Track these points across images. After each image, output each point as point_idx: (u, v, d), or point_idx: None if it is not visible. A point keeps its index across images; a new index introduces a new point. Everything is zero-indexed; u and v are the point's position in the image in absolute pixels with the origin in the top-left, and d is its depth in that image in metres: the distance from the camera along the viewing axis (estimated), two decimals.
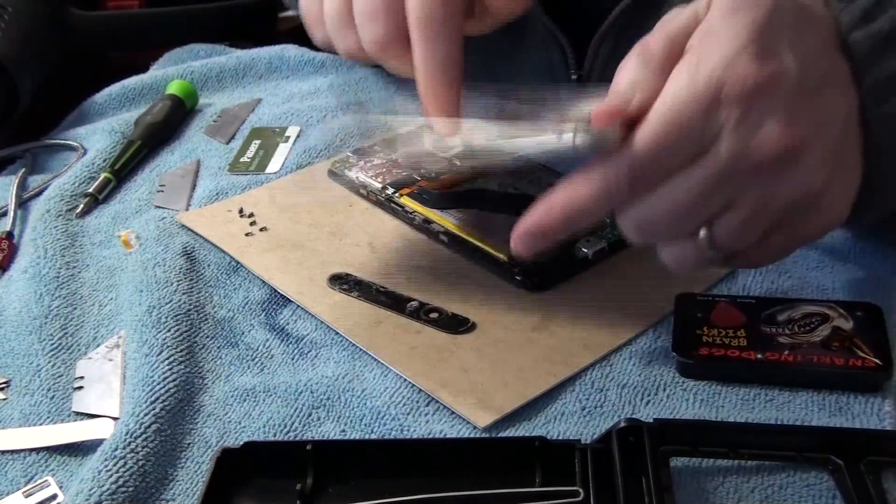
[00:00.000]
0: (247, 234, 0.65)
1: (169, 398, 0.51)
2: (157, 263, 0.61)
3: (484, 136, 0.49)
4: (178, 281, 0.60)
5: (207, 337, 0.57)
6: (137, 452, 0.47)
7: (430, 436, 0.48)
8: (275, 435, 0.50)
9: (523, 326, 0.55)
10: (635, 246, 0.49)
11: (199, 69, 0.87)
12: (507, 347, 0.53)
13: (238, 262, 0.62)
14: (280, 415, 0.51)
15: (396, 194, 0.64)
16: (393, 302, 0.57)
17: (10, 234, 0.68)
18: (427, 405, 0.50)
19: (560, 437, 0.48)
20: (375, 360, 0.54)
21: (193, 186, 0.72)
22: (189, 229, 0.66)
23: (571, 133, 0.45)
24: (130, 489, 0.46)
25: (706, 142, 0.44)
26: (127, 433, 0.48)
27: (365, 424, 0.50)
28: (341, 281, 0.59)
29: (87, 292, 0.62)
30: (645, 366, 0.52)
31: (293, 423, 0.50)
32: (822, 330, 0.51)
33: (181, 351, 0.54)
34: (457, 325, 0.55)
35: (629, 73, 0.46)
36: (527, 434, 0.48)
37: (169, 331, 0.55)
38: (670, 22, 0.47)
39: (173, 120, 0.80)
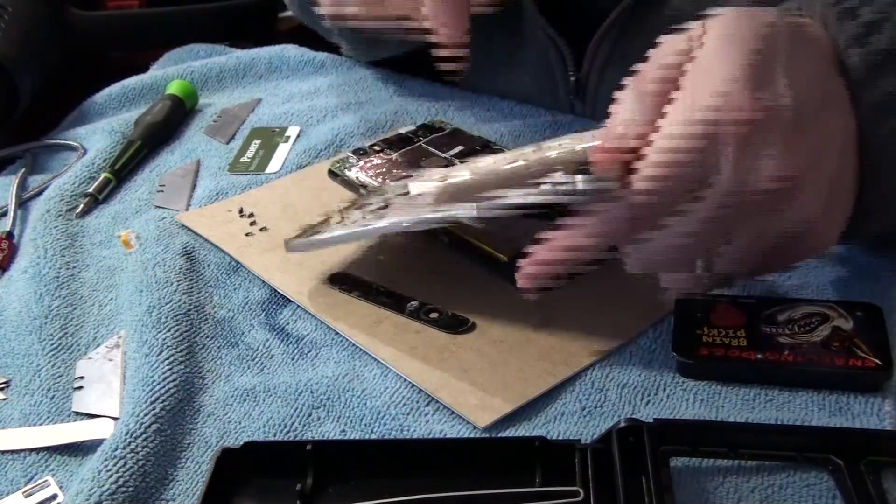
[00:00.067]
0: (247, 234, 0.65)
1: (169, 398, 0.51)
2: (157, 263, 0.61)
3: (486, 200, 0.50)
4: (178, 281, 0.60)
5: (207, 337, 0.57)
6: (137, 452, 0.48)
7: (430, 436, 0.48)
8: (275, 435, 0.50)
9: (523, 326, 0.55)
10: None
11: (199, 69, 0.87)
12: (507, 347, 0.53)
13: (238, 262, 0.62)
14: (280, 415, 0.51)
15: None
16: (393, 302, 0.57)
17: (10, 234, 0.68)
18: (427, 405, 0.50)
19: (560, 437, 0.48)
20: (375, 360, 0.54)
21: (193, 186, 0.72)
22: (189, 229, 0.66)
23: (571, 180, 0.46)
24: (130, 489, 0.46)
25: (704, 179, 0.44)
26: (127, 433, 0.48)
27: (365, 424, 0.50)
28: (341, 281, 0.59)
29: (87, 292, 0.62)
30: (645, 366, 0.52)
31: (293, 423, 0.50)
32: (822, 330, 0.51)
33: (181, 351, 0.54)
34: (457, 325, 0.55)
35: (625, 109, 0.46)
36: (527, 434, 0.48)
37: (169, 331, 0.55)
38: (664, 52, 0.47)
39: (173, 120, 0.80)
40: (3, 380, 0.55)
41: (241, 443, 0.46)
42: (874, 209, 0.49)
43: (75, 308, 0.61)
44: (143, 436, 0.48)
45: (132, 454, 0.47)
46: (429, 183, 0.54)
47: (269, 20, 1.10)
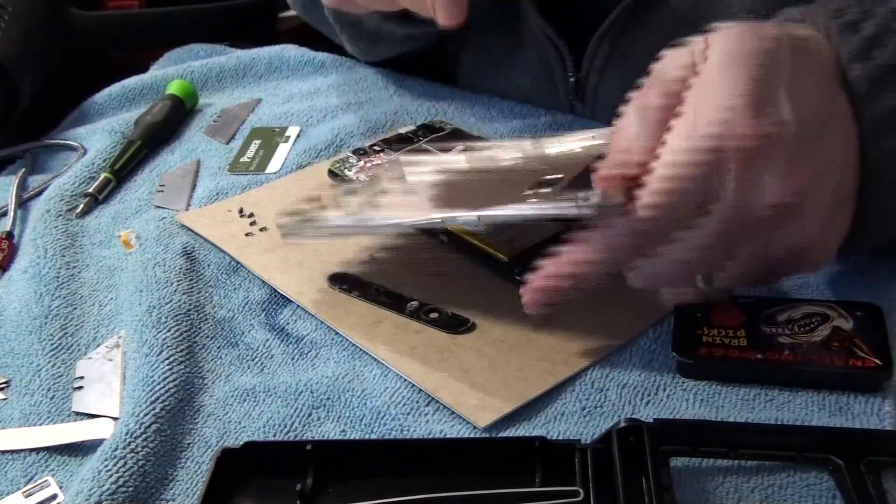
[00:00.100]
0: (247, 234, 0.65)
1: (169, 398, 0.51)
2: (157, 263, 0.61)
3: (488, 210, 0.50)
4: (178, 281, 0.60)
5: (207, 337, 0.57)
6: (137, 452, 0.48)
7: (430, 436, 0.48)
8: (275, 435, 0.50)
9: (523, 326, 0.55)
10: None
11: (199, 69, 0.87)
12: (507, 347, 0.53)
13: (238, 262, 0.62)
14: (280, 415, 0.51)
15: None
16: (393, 302, 0.57)
17: (10, 234, 0.68)
18: (427, 405, 0.50)
19: (560, 437, 0.48)
20: (375, 360, 0.54)
21: (193, 186, 0.72)
22: (189, 229, 0.66)
23: (575, 202, 0.46)
24: (130, 489, 0.46)
25: (706, 201, 0.44)
26: (127, 433, 0.48)
27: (365, 424, 0.50)
28: (341, 281, 0.59)
29: (87, 292, 0.62)
30: (645, 366, 0.52)
31: (293, 423, 0.50)
32: (822, 330, 0.51)
33: (181, 351, 0.54)
34: (457, 325, 0.55)
35: (628, 131, 0.46)
36: (527, 434, 0.48)
37: (169, 331, 0.55)
38: (667, 68, 0.47)
39: (173, 120, 0.80)
40: (3, 380, 0.55)
41: (241, 443, 0.46)
42: (871, 223, 0.49)
43: (75, 308, 0.61)
44: (143, 436, 0.48)
45: (132, 454, 0.47)
46: (425, 167, 0.53)
47: (269, 20, 1.10)
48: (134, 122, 0.79)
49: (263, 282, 0.60)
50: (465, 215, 0.50)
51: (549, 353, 0.53)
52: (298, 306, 0.58)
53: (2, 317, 0.61)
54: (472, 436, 0.48)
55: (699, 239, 0.45)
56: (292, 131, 0.78)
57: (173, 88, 0.82)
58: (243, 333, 0.57)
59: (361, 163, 0.68)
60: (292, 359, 0.55)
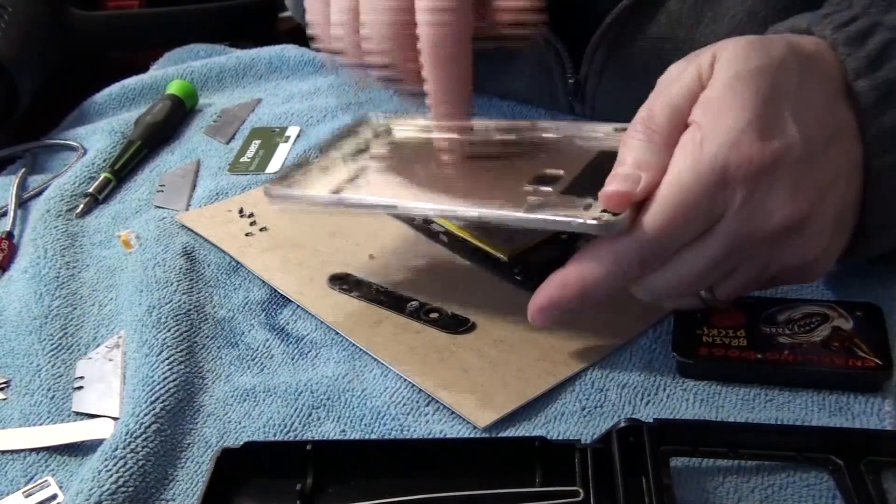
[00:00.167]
0: (247, 234, 0.65)
1: (169, 398, 0.51)
2: (157, 263, 0.61)
3: (491, 211, 0.50)
4: (178, 281, 0.60)
5: (207, 337, 0.57)
6: (137, 452, 0.48)
7: (430, 436, 0.48)
8: (275, 435, 0.50)
9: (523, 326, 0.54)
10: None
11: (199, 69, 0.87)
12: (507, 347, 0.53)
13: (238, 262, 0.62)
14: (280, 415, 0.51)
15: None
16: (393, 302, 0.57)
17: (10, 234, 0.68)
18: (427, 405, 0.50)
19: (560, 437, 0.48)
20: (375, 360, 0.54)
21: (193, 186, 0.72)
22: (189, 229, 0.66)
23: (582, 216, 0.46)
24: (130, 489, 0.46)
25: (712, 221, 0.45)
26: (127, 433, 0.48)
27: (365, 424, 0.50)
28: (341, 281, 0.59)
29: (87, 292, 0.62)
30: (645, 366, 0.52)
31: (293, 423, 0.50)
32: (822, 330, 0.51)
33: (181, 351, 0.54)
34: (457, 325, 0.55)
35: (634, 151, 0.47)
36: (527, 434, 0.48)
37: (169, 331, 0.55)
38: (673, 86, 0.47)
39: (173, 120, 0.80)
40: (3, 380, 0.55)
41: (241, 443, 0.46)
42: (872, 235, 0.50)
43: (75, 308, 0.61)
44: (143, 436, 0.48)
45: (132, 454, 0.47)
46: (412, 129, 0.53)
47: (269, 20, 1.10)
48: (134, 122, 0.79)
49: (263, 282, 0.60)
50: (466, 211, 0.50)
51: (549, 353, 0.53)
52: (298, 306, 0.58)
53: (2, 317, 0.61)
54: (472, 436, 0.48)
55: (704, 257, 0.46)
56: (292, 131, 0.78)
57: (173, 88, 0.82)
58: (243, 333, 0.57)
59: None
60: (292, 359, 0.55)
